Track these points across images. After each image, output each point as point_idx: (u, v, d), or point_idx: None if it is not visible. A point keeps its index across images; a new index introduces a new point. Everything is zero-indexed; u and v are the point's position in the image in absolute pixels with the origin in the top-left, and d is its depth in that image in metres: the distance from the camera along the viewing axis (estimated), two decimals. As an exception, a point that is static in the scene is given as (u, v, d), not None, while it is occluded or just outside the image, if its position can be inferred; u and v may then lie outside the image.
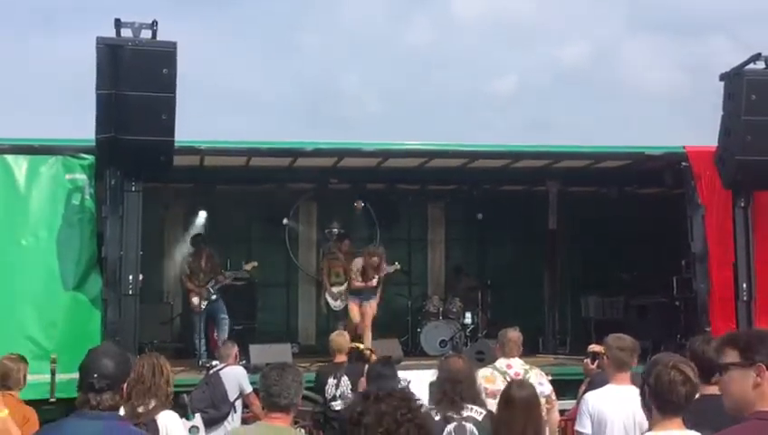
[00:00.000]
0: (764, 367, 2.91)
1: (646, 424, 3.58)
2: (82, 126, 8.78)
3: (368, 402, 2.44)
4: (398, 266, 11.91)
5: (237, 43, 33.89)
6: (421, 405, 2.55)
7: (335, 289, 12.11)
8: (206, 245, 11.89)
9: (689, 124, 23.49)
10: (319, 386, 7.61)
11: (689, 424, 3.43)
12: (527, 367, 6.45)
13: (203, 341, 11.48)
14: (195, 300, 11.55)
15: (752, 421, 2.91)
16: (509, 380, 5.86)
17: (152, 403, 4.63)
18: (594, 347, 6.47)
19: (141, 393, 4.60)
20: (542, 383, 6.32)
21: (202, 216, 12.43)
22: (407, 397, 2.49)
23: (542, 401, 6.01)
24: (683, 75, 34.34)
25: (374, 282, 11.34)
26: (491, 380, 6.11)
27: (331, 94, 33.25)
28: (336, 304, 12.15)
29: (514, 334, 6.57)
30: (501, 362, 6.40)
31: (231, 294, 12.22)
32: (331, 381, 7.38)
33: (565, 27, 34.84)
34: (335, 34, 34.06)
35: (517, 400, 4.51)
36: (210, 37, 30.19)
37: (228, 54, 32.08)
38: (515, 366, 6.38)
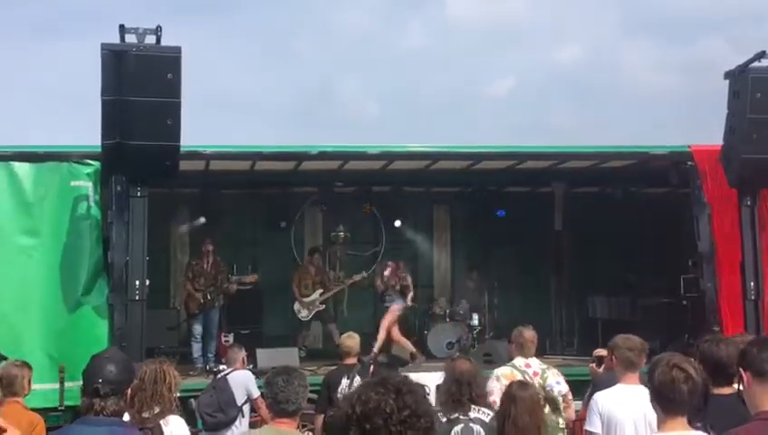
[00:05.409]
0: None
1: None
2: (87, 132, 8.81)
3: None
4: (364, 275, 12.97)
5: (235, 50, 33.95)
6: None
7: (305, 299, 12.41)
8: (212, 249, 11.87)
9: (689, 124, 23.41)
10: (328, 389, 7.57)
11: (701, 423, 3.41)
12: (545, 366, 6.46)
13: (199, 345, 11.46)
14: (192, 303, 11.54)
15: (756, 422, 3.01)
16: (528, 379, 5.90)
17: (156, 409, 4.62)
18: (599, 351, 6.49)
19: (144, 400, 4.58)
20: (559, 382, 6.34)
21: (200, 221, 12.44)
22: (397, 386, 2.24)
23: (560, 399, 6.18)
24: (680, 76, 34.26)
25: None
26: (511, 378, 6.07)
27: (328, 98, 33.28)
28: (303, 315, 12.46)
29: (530, 334, 6.55)
30: (519, 361, 6.40)
31: (237, 298, 12.23)
32: (345, 381, 7.35)
33: (562, 29, 34.80)
34: (332, 39, 34.12)
35: (520, 399, 4.57)
36: (209, 44, 30.25)
37: (226, 61, 32.13)
38: (533, 365, 6.39)
